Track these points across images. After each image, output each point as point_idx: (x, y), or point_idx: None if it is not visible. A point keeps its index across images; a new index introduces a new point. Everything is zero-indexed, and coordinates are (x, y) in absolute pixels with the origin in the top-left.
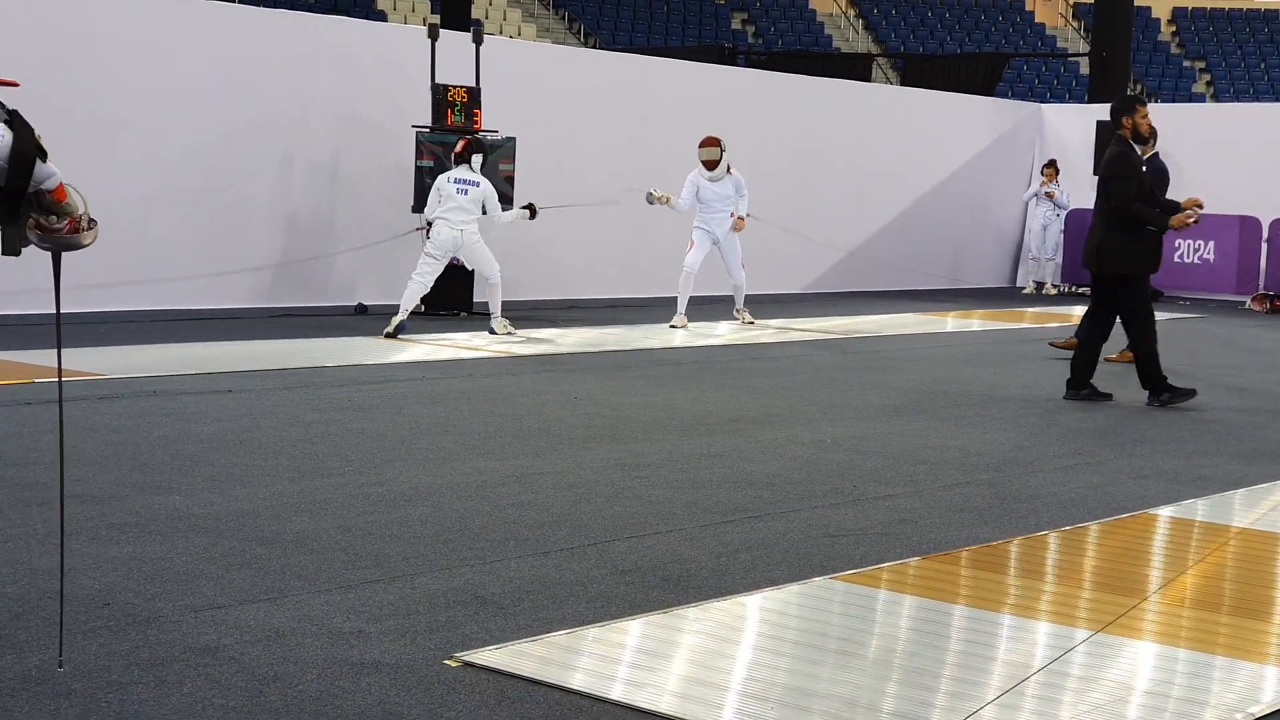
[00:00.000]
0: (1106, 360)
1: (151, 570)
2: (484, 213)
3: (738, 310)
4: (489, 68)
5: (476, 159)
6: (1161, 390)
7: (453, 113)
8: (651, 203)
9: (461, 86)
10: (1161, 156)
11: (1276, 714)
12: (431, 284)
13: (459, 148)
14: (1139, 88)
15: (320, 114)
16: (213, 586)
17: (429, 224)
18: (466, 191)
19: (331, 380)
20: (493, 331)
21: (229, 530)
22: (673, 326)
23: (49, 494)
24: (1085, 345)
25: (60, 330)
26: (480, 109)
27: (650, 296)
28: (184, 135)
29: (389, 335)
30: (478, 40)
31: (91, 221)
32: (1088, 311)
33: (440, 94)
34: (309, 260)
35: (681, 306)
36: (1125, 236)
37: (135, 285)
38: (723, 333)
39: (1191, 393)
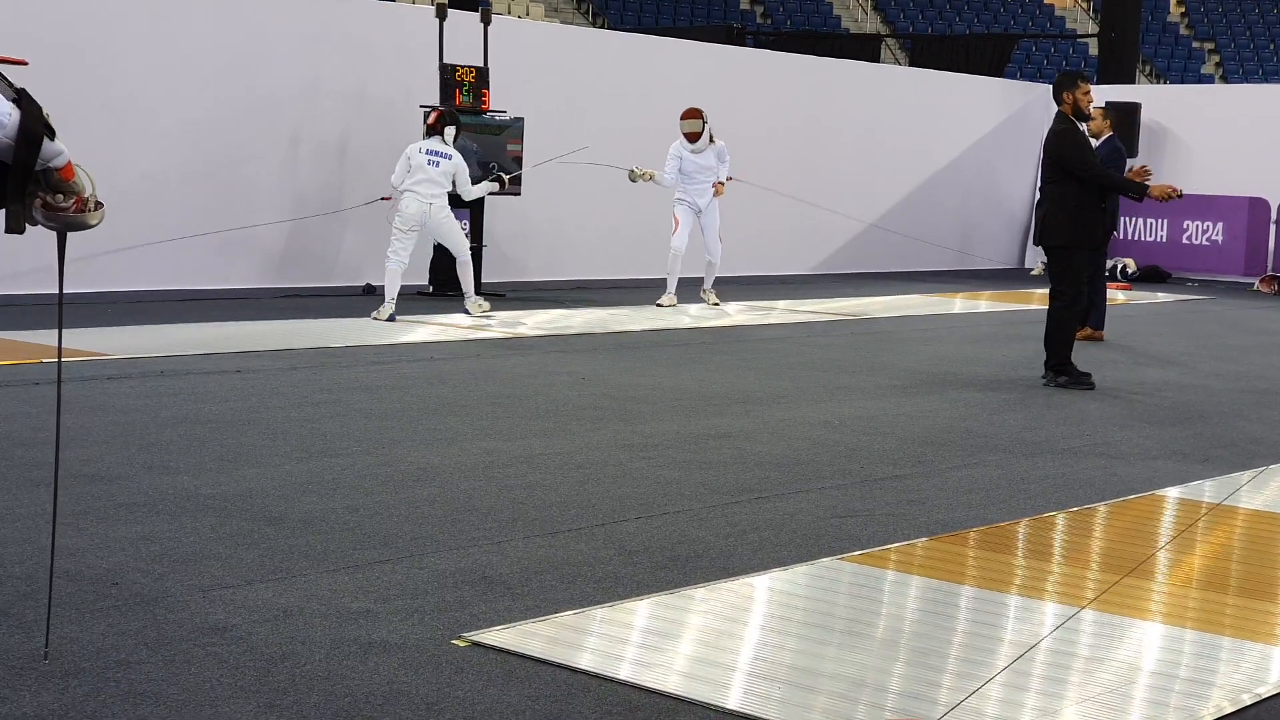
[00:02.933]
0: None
1: (159, 550)
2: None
3: (704, 291)
4: (497, 47)
5: (449, 131)
6: (1061, 372)
7: (460, 92)
8: (634, 180)
9: (470, 66)
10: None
11: None
12: (408, 260)
13: (432, 119)
14: (1148, 69)
15: (328, 93)
16: (221, 566)
17: (398, 194)
18: (438, 164)
19: (339, 361)
20: (468, 313)
21: (237, 510)
22: (659, 305)
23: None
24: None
25: (61, 309)
26: (488, 89)
27: (659, 277)
28: (192, 114)
29: (384, 320)
30: (486, 20)
31: (98, 203)
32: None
33: (448, 74)
34: (316, 240)
35: (671, 286)
36: (1069, 209)
37: (143, 265)
38: (731, 314)
39: (1090, 383)
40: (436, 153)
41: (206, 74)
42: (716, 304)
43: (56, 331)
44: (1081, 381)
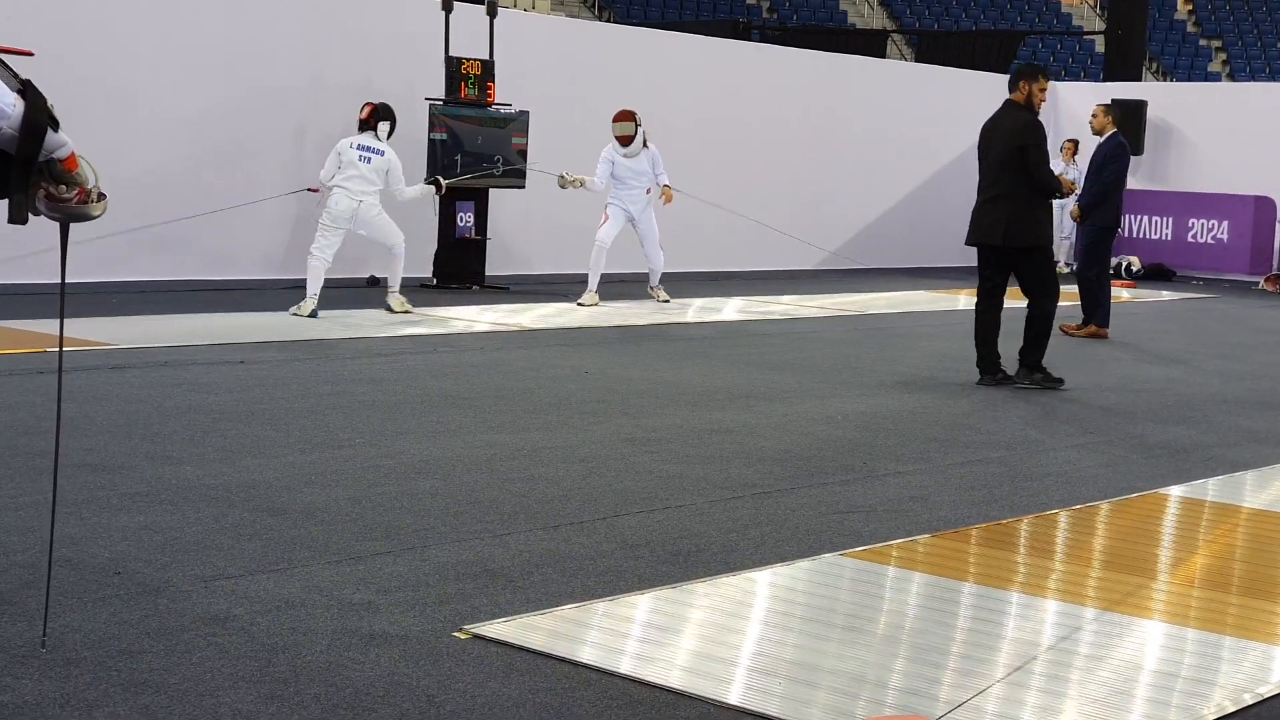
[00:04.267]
0: (1068, 333)
1: (162, 540)
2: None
3: (652, 288)
4: (503, 41)
5: (383, 126)
6: (1037, 369)
7: (466, 86)
8: (564, 186)
9: (475, 59)
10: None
11: None
12: (330, 257)
13: (364, 113)
14: (1155, 66)
15: (333, 85)
16: (223, 557)
17: (325, 189)
18: (369, 160)
19: (343, 352)
20: (389, 309)
21: (239, 501)
22: (580, 304)
23: (61, 462)
24: (992, 331)
25: (64, 299)
26: (494, 82)
27: (664, 272)
28: (196, 106)
29: (310, 315)
30: (492, 13)
31: (101, 194)
32: (985, 291)
33: (454, 67)
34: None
35: (593, 283)
36: (1033, 207)
37: (147, 255)
38: (732, 308)
39: (1061, 381)
40: (369, 148)
41: (211, 66)
42: (666, 300)
43: (58, 321)
44: (1054, 383)
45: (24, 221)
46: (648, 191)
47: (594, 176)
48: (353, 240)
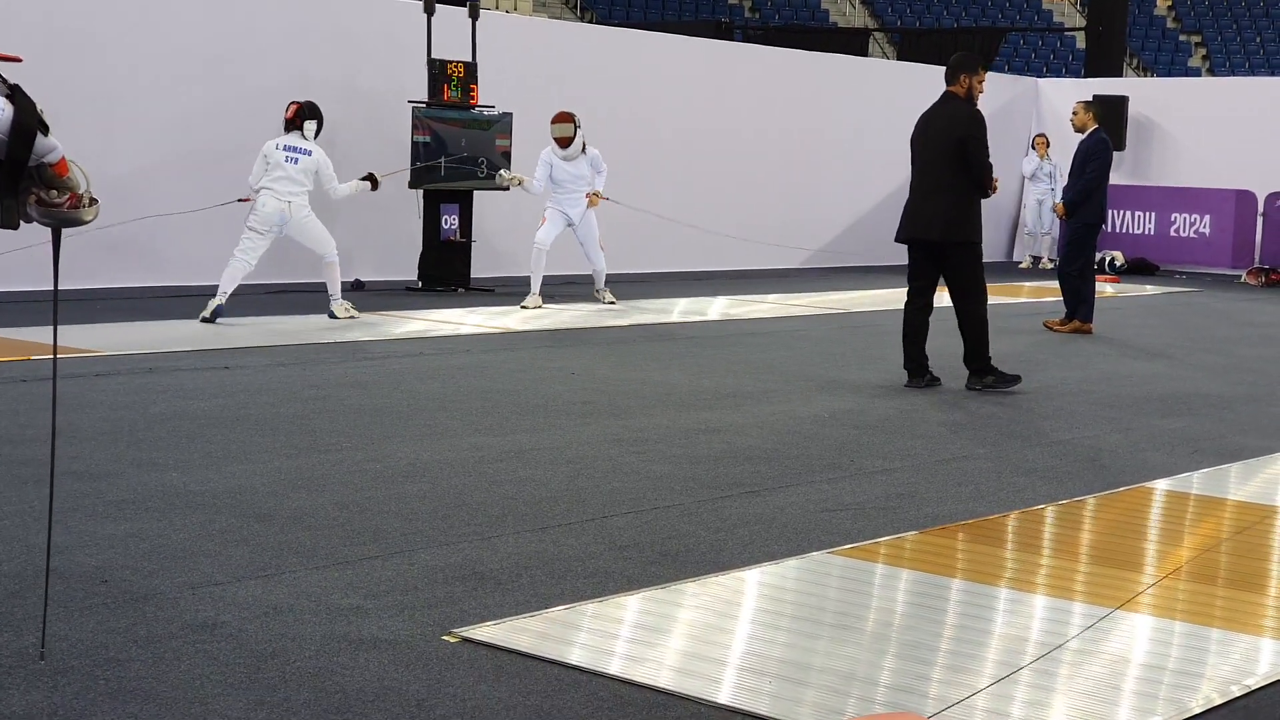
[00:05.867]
0: (1052, 329)
1: (149, 547)
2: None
3: (598, 290)
4: (486, 42)
5: (310, 125)
6: (987, 373)
7: (449, 87)
8: (504, 186)
9: (458, 61)
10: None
11: (1272, 686)
12: (255, 262)
13: (290, 112)
14: (1135, 62)
15: (317, 87)
16: (210, 563)
17: (255, 194)
18: (296, 160)
19: (329, 356)
20: (332, 315)
21: (226, 507)
22: (523, 307)
23: (45, 471)
24: (922, 332)
25: (57, 306)
26: (477, 84)
27: (649, 272)
28: (181, 108)
29: (205, 320)
30: (474, 15)
31: (93, 199)
32: (916, 290)
33: (437, 69)
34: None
35: (535, 286)
36: (971, 203)
37: (131, 261)
38: (717, 308)
39: (1017, 379)
40: (295, 149)
41: (195, 67)
42: (613, 302)
43: (52, 328)
44: (1009, 381)
45: (15, 227)
46: (586, 196)
47: (533, 178)
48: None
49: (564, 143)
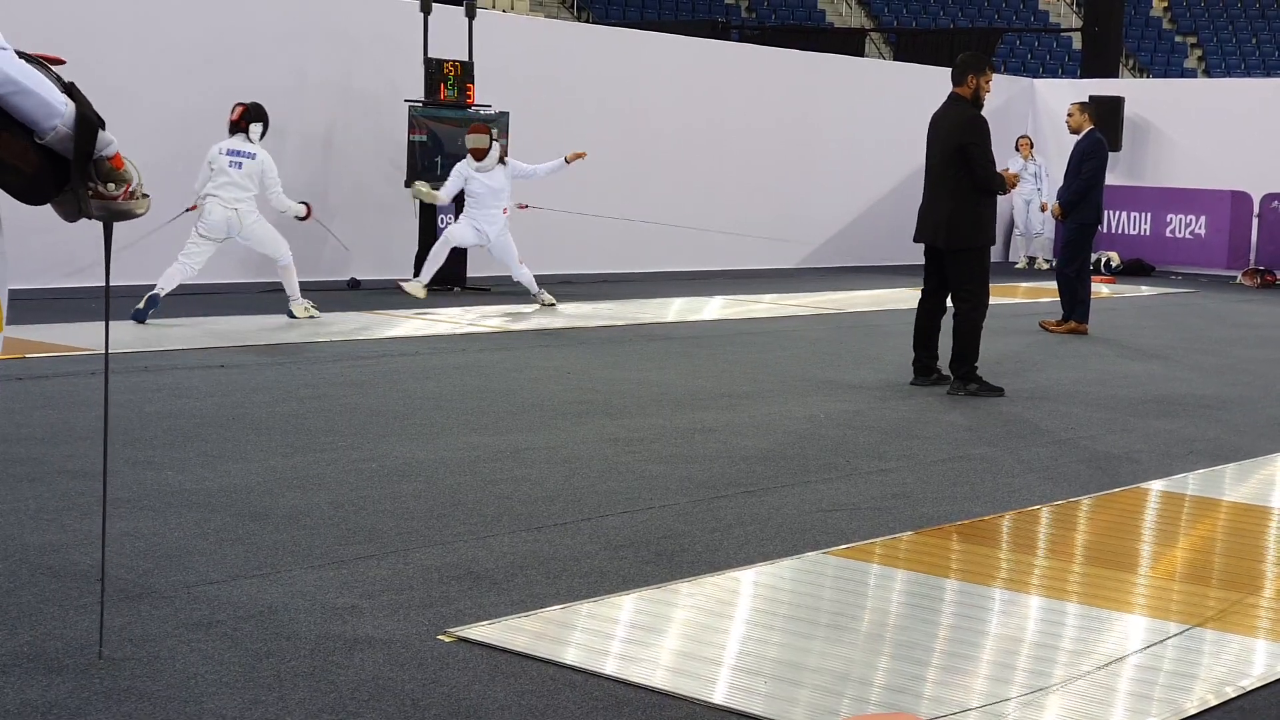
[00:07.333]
0: (1048, 329)
1: (144, 546)
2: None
3: (535, 294)
4: (482, 41)
5: (255, 128)
6: (970, 380)
7: (445, 87)
8: (416, 195)
9: (455, 60)
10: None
11: (1266, 687)
12: (199, 267)
13: (235, 115)
14: (1131, 63)
15: (314, 86)
16: (205, 562)
17: (202, 201)
18: (240, 165)
19: (324, 355)
20: (291, 315)
21: (221, 506)
22: (400, 285)
23: (39, 470)
24: (932, 332)
25: (109, 301)
26: (473, 83)
27: (645, 271)
28: (176, 106)
29: (134, 318)
30: (470, 14)
31: (145, 193)
32: (927, 291)
33: (433, 68)
34: (301, 234)
35: (425, 277)
36: (974, 206)
37: (127, 259)
38: (713, 308)
39: (1000, 391)
40: (239, 153)
41: (192, 66)
42: (552, 303)
43: (104, 323)
44: (992, 392)
45: (74, 220)
46: (504, 212)
47: (446, 188)
48: (336, 243)
49: (479, 154)
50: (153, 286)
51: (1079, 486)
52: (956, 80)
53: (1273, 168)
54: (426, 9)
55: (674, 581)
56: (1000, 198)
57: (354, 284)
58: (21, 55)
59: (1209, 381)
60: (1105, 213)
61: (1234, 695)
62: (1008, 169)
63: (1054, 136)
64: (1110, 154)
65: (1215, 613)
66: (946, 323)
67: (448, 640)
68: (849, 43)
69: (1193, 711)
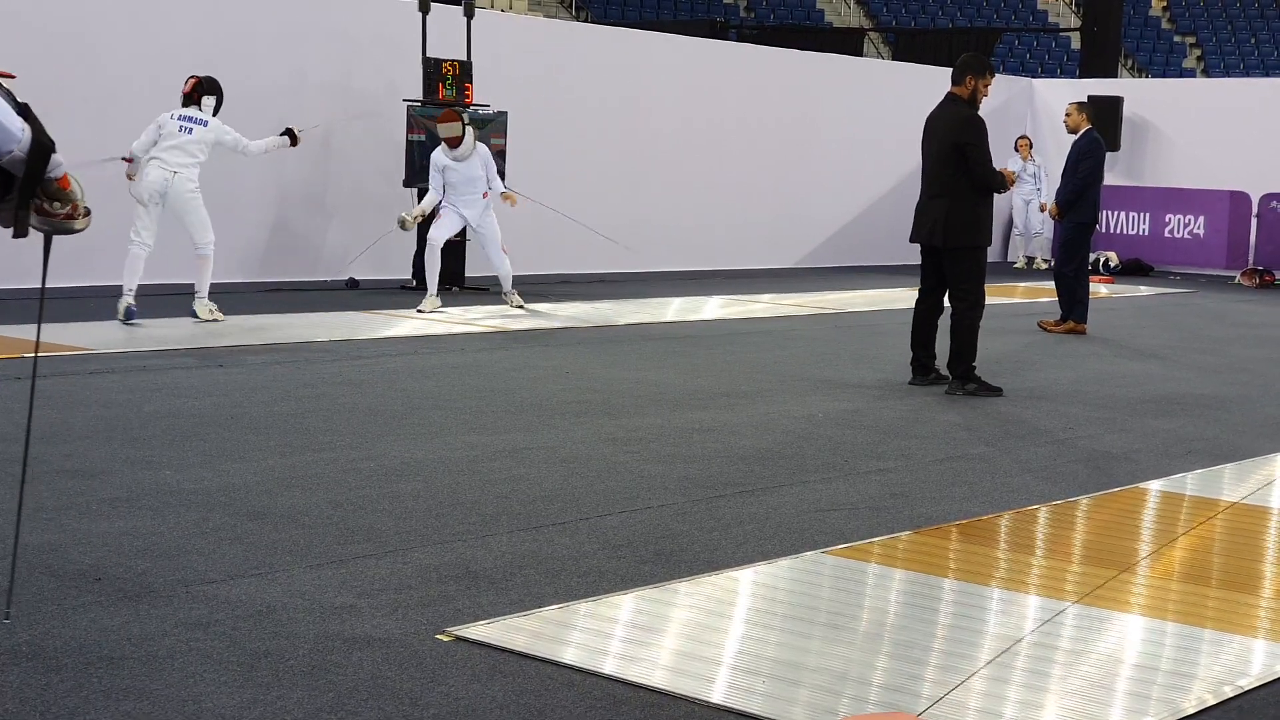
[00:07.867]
0: (1046, 329)
1: (142, 545)
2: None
3: (505, 293)
4: (481, 41)
5: (208, 101)
6: (969, 379)
7: (444, 86)
8: (406, 229)
9: (453, 60)
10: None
11: (1264, 687)
12: (150, 242)
13: (188, 86)
14: (1130, 63)
15: (313, 86)
16: (204, 561)
17: (139, 162)
18: (191, 130)
19: (322, 355)
20: (194, 314)
21: (220, 505)
22: (420, 311)
23: (35, 469)
24: (929, 331)
25: (43, 308)
26: (472, 83)
27: (643, 271)
28: (174, 107)
29: (123, 322)
30: (469, 13)
31: (87, 210)
32: (924, 291)
33: (431, 67)
34: (300, 233)
35: (432, 287)
36: (971, 206)
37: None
38: (711, 307)
39: (998, 391)
40: (191, 119)
41: (191, 65)
42: (521, 306)
43: (36, 326)
44: (990, 392)
45: (26, 235)
46: (484, 196)
47: (430, 189)
48: (335, 242)
49: (454, 143)
50: (120, 287)
51: (1077, 486)
52: (956, 80)
53: (1271, 168)
54: (425, 9)
55: (672, 581)
56: (999, 197)
57: (352, 284)
58: None
59: (1207, 381)
60: (1103, 213)
61: (1232, 695)
62: (1006, 167)
63: (1053, 136)
64: (1109, 154)
65: (1213, 612)
66: (944, 322)
67: (446, 639)
68: (848, 42)
69: (1191, 711)
